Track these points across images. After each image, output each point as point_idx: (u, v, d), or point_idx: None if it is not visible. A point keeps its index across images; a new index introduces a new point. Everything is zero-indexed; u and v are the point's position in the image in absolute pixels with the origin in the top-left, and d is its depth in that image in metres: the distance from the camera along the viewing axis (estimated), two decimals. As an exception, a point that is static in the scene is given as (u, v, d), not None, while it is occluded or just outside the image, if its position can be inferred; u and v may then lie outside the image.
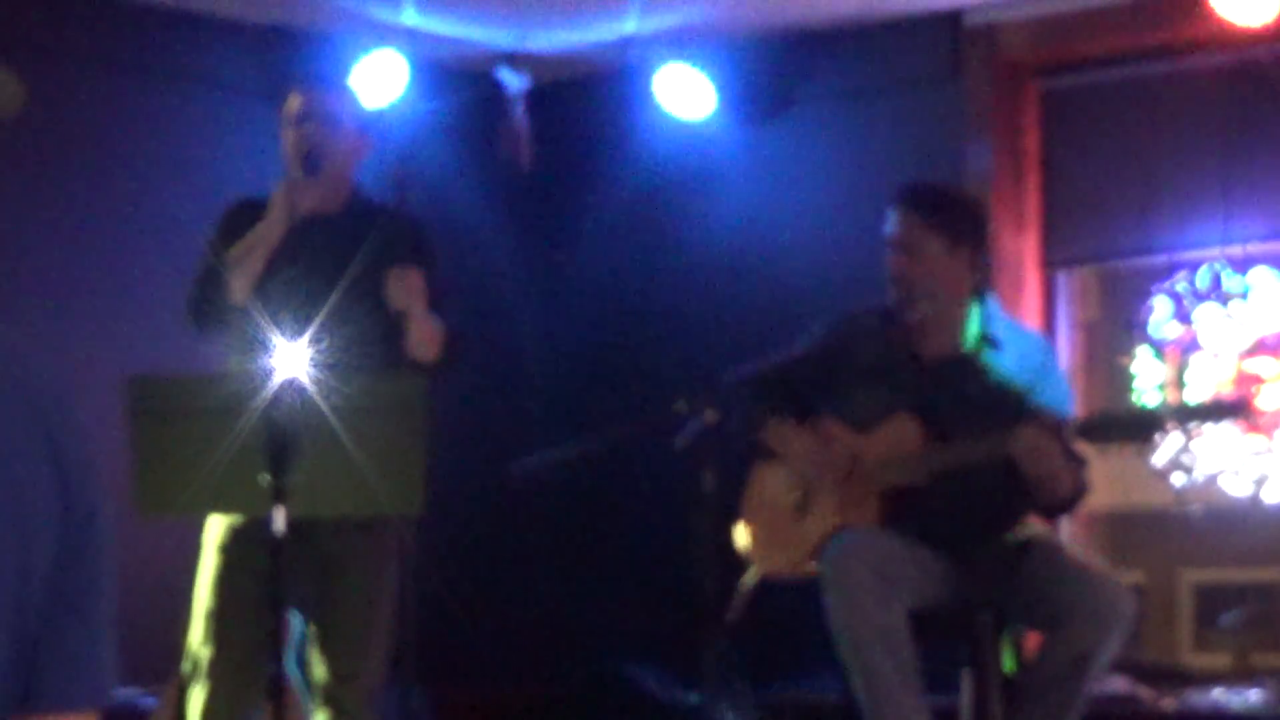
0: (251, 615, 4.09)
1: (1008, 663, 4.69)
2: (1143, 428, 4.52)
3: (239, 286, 4.41)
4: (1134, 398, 6.11)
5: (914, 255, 4.76)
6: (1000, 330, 4.87)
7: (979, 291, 4.85)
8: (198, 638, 4.40)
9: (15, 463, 1.71)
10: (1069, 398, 4.94)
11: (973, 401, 4.74)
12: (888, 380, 4.80)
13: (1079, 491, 4.71)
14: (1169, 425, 4.51)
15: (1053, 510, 4.81)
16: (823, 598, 4.58)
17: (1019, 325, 5.23)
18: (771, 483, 4.92)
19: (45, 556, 1.72)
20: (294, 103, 4.58)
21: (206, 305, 4.47)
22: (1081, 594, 4.52)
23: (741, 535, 4.90)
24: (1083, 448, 4.64)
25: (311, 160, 4.50)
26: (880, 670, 4.48)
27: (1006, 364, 4.81)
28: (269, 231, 4.45)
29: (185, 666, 4.41)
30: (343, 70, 5.95)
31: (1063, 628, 4.52)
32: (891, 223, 4.79)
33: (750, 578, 4.86)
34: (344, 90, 4.71)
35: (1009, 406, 4.72)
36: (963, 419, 4.71)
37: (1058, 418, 4.61)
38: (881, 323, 4.84)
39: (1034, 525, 4.85)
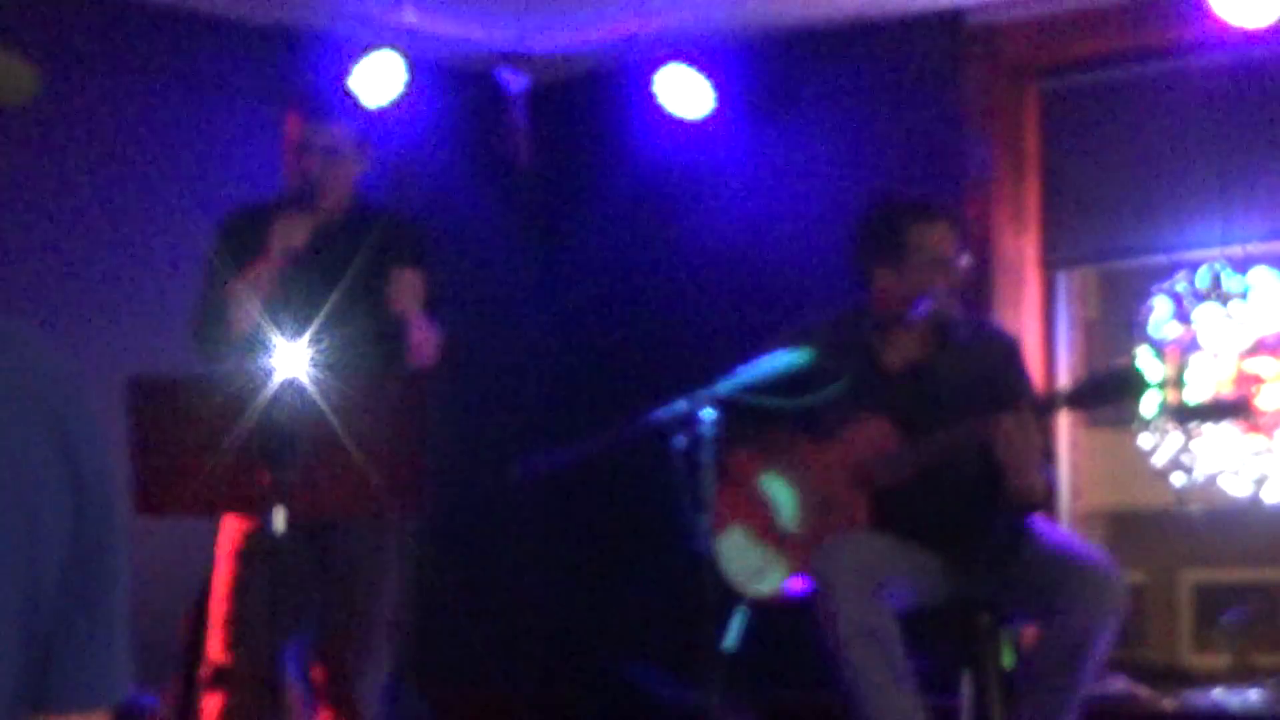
0: (269, 622, 4.09)
1: (1006, 659, 4.69)
2: (1127, 388, 4.51)
3: (241, 321, 4.41)
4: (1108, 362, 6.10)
5: (960, 267, 4.78)
6: (961, 330, 4.86)
7: None
8: (216, 646, 4.39)
9: (25, 460, 1.70)
10: (1030, 384, 4.94)
11: (941, 406, 4.73)
12: (855, 392, 4.79)
13: (1049, 492, 4.71)
14: (1151, 384, 4.51)
15: (1021, 511, 4.77)
16: (811, 602, 4.58)
17: (981, 323, 5.24)
18: (745, 506, 4.91)
19: (58, 556, 1.71)
20: (294, 127, 4.56)
21: (212, 340, 4.48)
22: (1074, 583, 4.52)
23: (720, 555, 4.88)
24: (1079, 440, 4.64)
25: (310, 195, 4.50)
26: (871, 672, 4.49)
27: (969, 361, 4.80)
28: (268, 268, 4.44)
29: (204, 673, 4.42)
30: (340, 85, 5.88)
31: (1057, 617, 4.52)
32: (948, 237, 4.76)
33: (744, 606, 4.85)
34: (343, 115, 4.66)
35: (978, 406, 4.72)
36: (933, 424, 4.70)
37: (1036, 397, 4.61)
38: (840, 334, 4.83)
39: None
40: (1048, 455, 4.72)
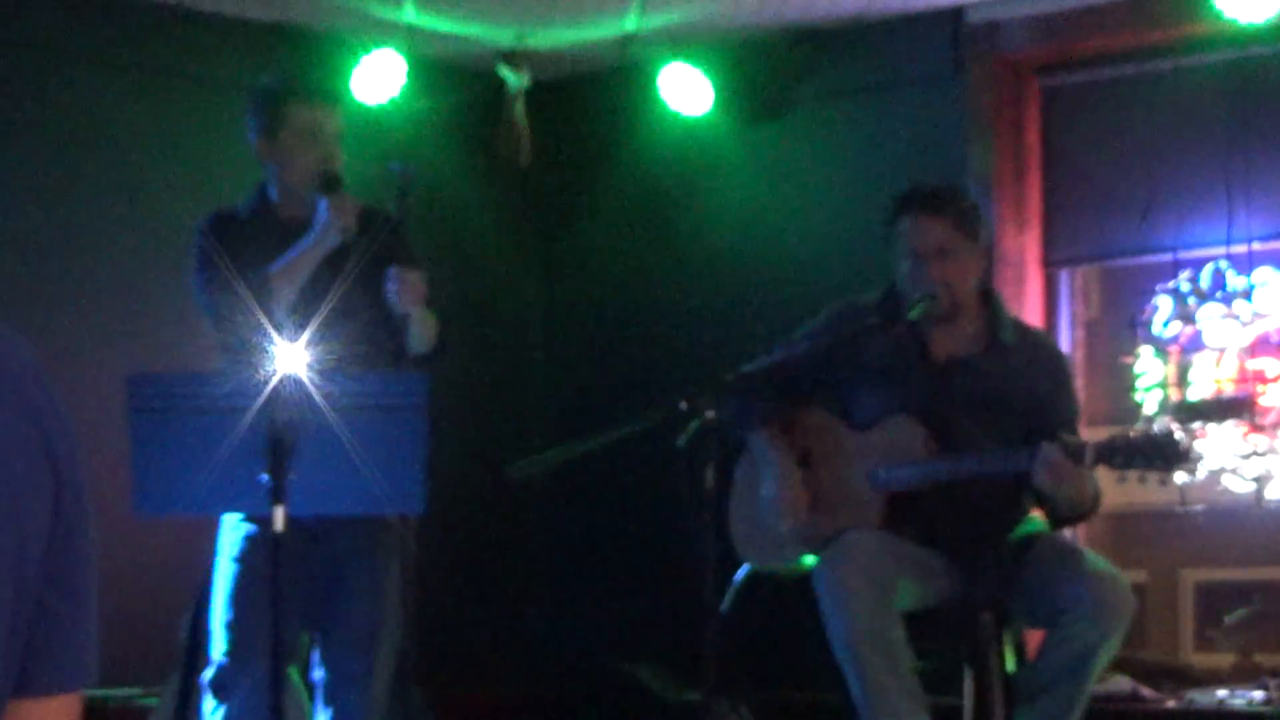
0: (269, 623, 4.07)
1: (1009, 662, 4.68)
2: (1159, 457, 4.48)
3: (280, 305, 4.39)
4: (1135, 398, 6.10)
5: (953, 261, 4.75)
6: (1007, 330, 4.85)
7: (985, 290, 4.85)
8: (219, 649, 4.38)
9: (10, 449, 1.71)
10: (1077, 398, 4.93)
11: (980, 403, 4.72)
12: (894, 380, 4.78)
13: (1095, 503, 4.69)
14: (1186, 456, 4.47)
15: (1065, 523, 4.80)
16: (819, 603, 4.57)
17: (1025, 325, 5.23)
18: (763, 478, 4.91)
19: (39, 541, 1.73)
20: (292, 112, 4.53)
21: (247, 321, 4.42)
22: (1082, 592, 4.50)
23: (733, 527, 4.89)
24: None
25: (334, 180, 4.49)
26: (876, 675, 4.47)
27: (1014, 364, 4.79)
28: (318, 250, 4.44)
29: (208, 676, 4.41)
30: (337, 75, 5.85)
31: (1064, 626, 4.51)
32: (923, 231, 4.75)
33: (744, 571, 4.85)
34: (342, 103, 4.68)
35: (1015, 411, 4.70)
36: (969, 421, 4.69)
37: (1078, 443, 4.57)
38: (885, 320, 4.81)
39: (1037, 520, 4.85)
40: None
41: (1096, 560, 4.76)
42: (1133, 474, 4.52)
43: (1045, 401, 4.74)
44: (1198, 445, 4.52)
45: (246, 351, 4.34)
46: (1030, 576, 4.62)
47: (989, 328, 4.82)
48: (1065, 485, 4.51)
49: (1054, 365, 4.88)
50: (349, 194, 4.48)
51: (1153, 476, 4.53)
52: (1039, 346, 4.94)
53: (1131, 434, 4.59)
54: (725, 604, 4.68)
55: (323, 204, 4.46)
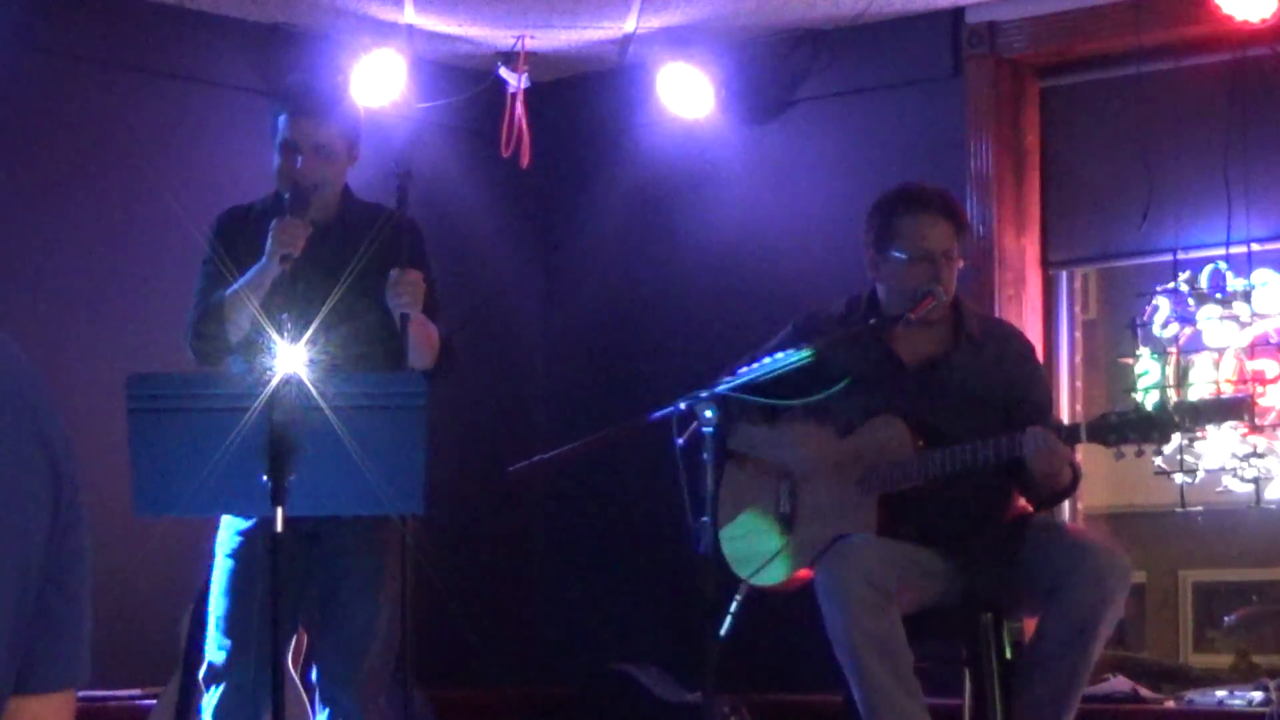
0: (264, 619, 4.08)
1: (1007, 653, 4.68)
2: (1153, 429, 4.50)
3: (236, 330, 4.40)
4: (1135, 398, 6.10)
5: (952, 266, 4.77)
6: (975, 327, 4.87)
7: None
8: (213, 643, 4.39)
9: (17, 451, 1.73)
10: (1048, 390, 4.95)
11: (958, 399, 4.73)
12: (870, 386, 4.78)
13: (1075, 482, 4.72)
14: (1179, 427, 4.49)
15: (1050, 503, 4.82)
16: (820, 606, 4.57)
17: (994, 321, 5.24)
18: (750, 494, 4.91)
19: (42, 538, 1.75)
20: (280, 124, 4.53)
21: (207, 344, 4.46)
22: (1078, 563, 4.51)
23: (726, 549, 4.86)
24: (1088, 447, 4.63)
25: (303, 197, 4.47)
26: (878, 678, 4.47)
27: (985, 358, 4.81)
28: (264, 276, 4.42)
29: (202, 672, 4.41)
30: (329, 82, 5.81)
31: (1062, 598, 4.50)
32: (937, 232, 4.75)
33: (742, 592, 4.84)
34: (334, 113, 4.60)
35: (993, 404, 4.72)
36: (948, 419, 4.70)
37: (1065, 424, 4.59)
38: (853, 325, 4.82)
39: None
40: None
41: (1092, 533, 4.79)
42: (1129, 449, 4.53)
43: (1021, 392, 4.76)
44: (1196, 445, 4.54)
45: (246, 353, 4.36)
46: (1026, 557, 4.63)
47: (956, 325, 4.84)
48: (1057, 463, 4.53)
49: (1025, 356, 4.90)
50: (298, 220, 4.44)
51: (1148, 449, 4.55)
52: (1007, 338, 4.95)
53: (1122, 409, 4.61)
54: (726, 627, 4.65)
55: (270, 226, 4.45)
